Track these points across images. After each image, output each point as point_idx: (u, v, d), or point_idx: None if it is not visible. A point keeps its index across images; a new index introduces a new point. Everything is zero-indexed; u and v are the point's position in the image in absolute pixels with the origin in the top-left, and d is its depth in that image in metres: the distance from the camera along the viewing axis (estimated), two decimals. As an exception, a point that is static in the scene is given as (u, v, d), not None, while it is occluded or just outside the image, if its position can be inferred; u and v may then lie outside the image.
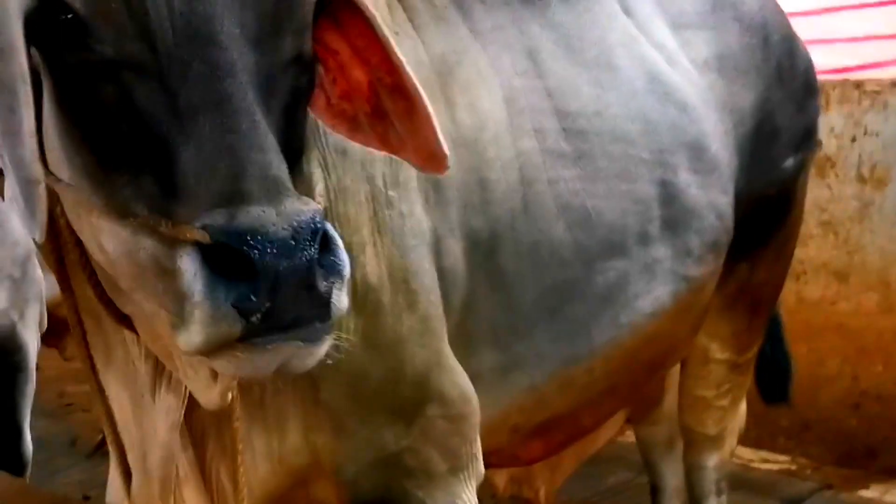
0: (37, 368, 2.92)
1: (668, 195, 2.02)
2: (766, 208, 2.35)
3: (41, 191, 1.08)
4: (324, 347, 1.12)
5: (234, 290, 1.02)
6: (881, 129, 3.82)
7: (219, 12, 1.11)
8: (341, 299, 1.09)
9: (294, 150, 1.21)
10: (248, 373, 1.10)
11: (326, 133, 1.51)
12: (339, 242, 1.09)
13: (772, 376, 2.80)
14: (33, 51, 1.15)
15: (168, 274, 1.06)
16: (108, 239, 1.15)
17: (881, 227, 3.87)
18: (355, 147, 1.52)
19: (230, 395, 1.39)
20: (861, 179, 3.89)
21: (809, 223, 4.00)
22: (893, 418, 3.91)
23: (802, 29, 4.22)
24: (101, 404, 1.54)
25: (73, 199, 1.19)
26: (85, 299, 1.43)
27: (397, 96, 1.33)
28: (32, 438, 2.88)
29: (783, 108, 2.33)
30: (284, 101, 1.19)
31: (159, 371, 1.47)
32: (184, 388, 1.45)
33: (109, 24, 1.10)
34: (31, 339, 2.76)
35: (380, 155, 1.55)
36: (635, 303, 2.00)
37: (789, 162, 2.37)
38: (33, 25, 1.11)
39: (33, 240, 1.33)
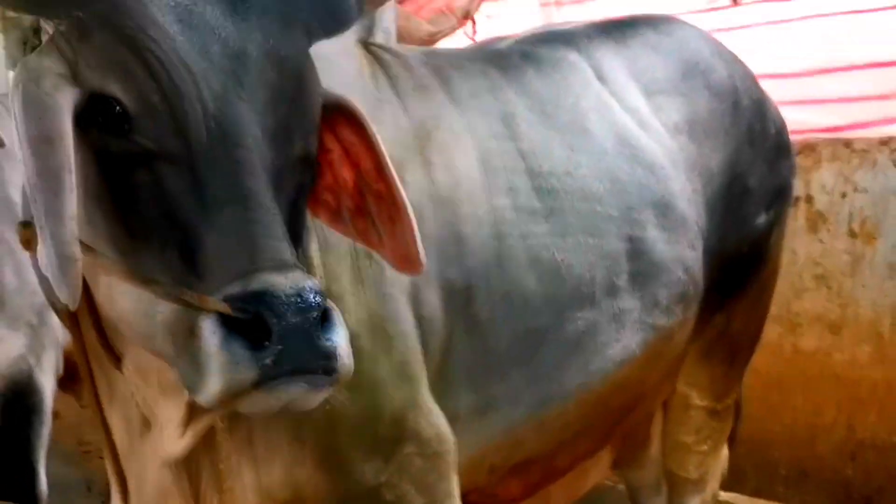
0: (56, 415, 3.07)
1: (636, 250, 2.15)
2: (740, 262, 2.48)
3: (78, 267, 1.24)
4: (323, 395, 1.26)
5: (247, 342, 1.17)
6: (870, 186, 3.94)
7: (245, 117, 1.28)
8: (347, 356, 1.25)
9: (297, 234, 1.37)
10: (257, 411, 1.25)
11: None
12: (338, 315, 1.24)
13: None
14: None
15: (184, 335, 1.21)
16: (124, 299, 1.30)
17: (872, 280, 3.97)
18: None
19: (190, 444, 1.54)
20: (852, 234, 4.01)
21: (804, 276, 4.13)
22: (889, 468, 3.98)
23: (795, 90, 4.42)
24: (105, 437, 1.68)
25: (98, 262, 1.32)
26: (91, 342, 1.57)
27: (383, 202, 1.49)
28: (50, 482, 3.01)
29: (754, 168, 2.47)
30: (292, 193, 1.36)
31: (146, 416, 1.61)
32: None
33: (152, 121, 1.26)
34: (48, 383, 2.92)
35: None
36: (605, 350, 2.13)
37: (761, 219, 2.50)
38: (81, 116, 1.27)
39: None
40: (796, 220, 4.10)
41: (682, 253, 2.24)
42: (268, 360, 1.18)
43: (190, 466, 1.66)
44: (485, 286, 1.93)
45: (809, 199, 4.09)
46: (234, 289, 1.18)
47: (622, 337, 2.16)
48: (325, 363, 1.22)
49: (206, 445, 1.63)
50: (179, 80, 1.26)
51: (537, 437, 2.10)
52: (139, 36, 1.26)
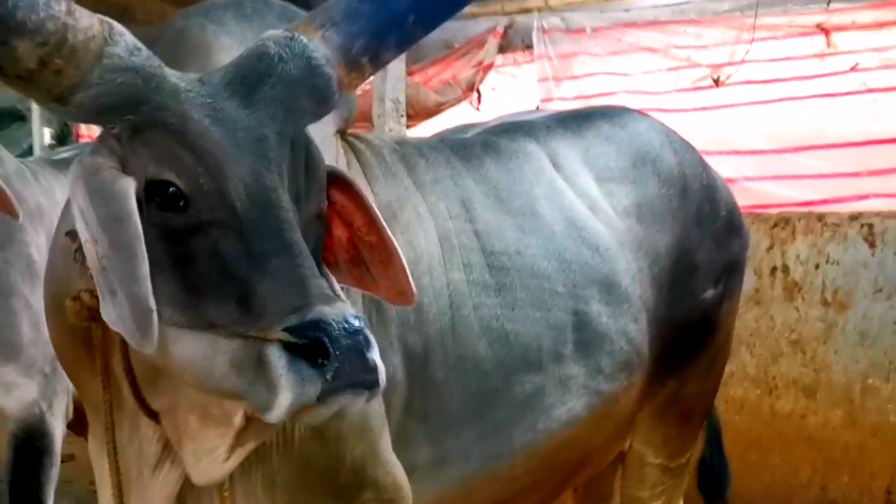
0: (71, 457, 3.32)
1: (581, 322, 2.37)
2: (690, 331, 2.70)
3: (154, 318, 1.48)
4: (364, 402, 1.51)
5: (310, 363, 1.42)
6: (841, 258, 4.17)
7: (277, 186, 1.55)
8: (384, 373, 1.50)
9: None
10: (312, 422, 1.52)
11: None
12: (372, 335, 1.49)
13: (710, 478, 3.10)
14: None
15: (252, 366, 1.46)
16: (185, 347, 1.53)
17: (844, 347, 4.19)
18: None
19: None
20: (825, 303, 4.23)
21: (780, 342, 4.35)
22: (859, 527, 4.17)
23: (774, 166, 4.66)
24: (114, 478, 1.88)
25: (162, 319, 1.54)
26: (116, 401, 1.81)
27: (375, 250, 1.76)
28: (60, 520, 3.28)
29: (702, 247, 2.69)
30: (313, 243, 1.63)
31: (166, 452, 1.84)
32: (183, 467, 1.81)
33: (203, 197, 1.53)
34: (58, 427, 3.18)
35: None
36: (551, 411, 2.34)
37: (709, 292, 2.72)
38: (145, 198, 1.55)
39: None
40: (773, 288, 4.34)
41: (624, 325, 2.46)
42: (328, 376, 1.42)
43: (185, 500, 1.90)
44: (441, 350, 2.16)
45: (786, 269, 4.32)
46: (293, 321, 1.43)
47: (568, 400, 2.37)
48: (371, 377, 1.47)
49: (192, 487, 1.85)
50: (221, 163, 1.53)
51: (489, 488, 2.31)
52: (183, 130, 1.54)
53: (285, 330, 1.43)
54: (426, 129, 5.44)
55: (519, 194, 2.41)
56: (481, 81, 5.54)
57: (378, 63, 1.75)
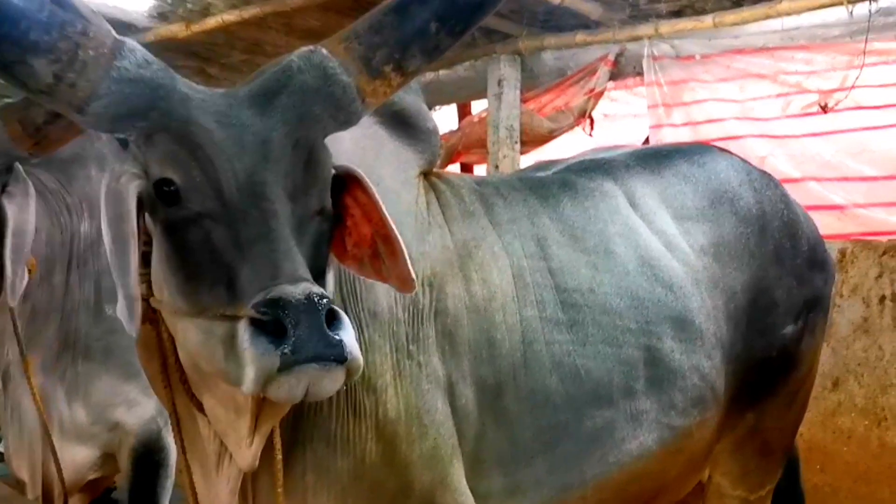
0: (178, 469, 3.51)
1: (653, 358, 2.43)
2: (768, 367, 2.73)
3: (138, 305, 1.70)
4: (337, 377, 1.61)
5: (271, 337, 1.57)
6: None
7: (269, 182, 1.72)
8: (354, 349, 1.60)
9: (320, 271, 1.79)
10: (286, 396, 1.59)
11: (363, 300, 2.07)
12: (344, 316, 1.62)
13: None
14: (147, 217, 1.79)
15: (230, 345, 1.61)
16: (191, 334, 1.73)
17: (957, 379, 4.10)
18: (384, 311, 2.10)
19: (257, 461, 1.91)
20: (935, 333, 4.14)
21: (889, 373, 4.28)
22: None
23: (885, 192, 4.58)
24: (187, 476, 2.09)
25: (168, 308, 1.79)
26: (179, 397, 1.99)
27: (385, 242, 1.88)
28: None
29: (781, 284, 2.72)
30: (313, 239, 1.78)
31: (224, 449, 2.00)
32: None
33: (197, 192, 1.72)
34: (173, 442, 3.39)
35: (403, 318, 2.13)
36: (622, 445, 2.40)
37: (789, 329, 2.74)
38: (150, 196, 1.75)
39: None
40: (882, 317, 4.27)
41: (697, 362, 2.52)
42: (287, 350, 1.54)
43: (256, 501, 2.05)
44: (512, 384, 2.25)
45: (895, 298, 4.24)
46: (258, 298, 1.57)
47: (639, 434, 2.43)
48: (334, 351, 1.57)
49: (266, 488, 2.00)
50: (215, 160, 1.70)
51: None
52: (185, 132, 1.71)
53: (252, 308, 1.57)
54: (539, 156, 5.53)
55: (594, 233, 2.49)
56: (593, 108, 5.60)
57: (404, 72, 1.86)
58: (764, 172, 2.90)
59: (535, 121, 5.79)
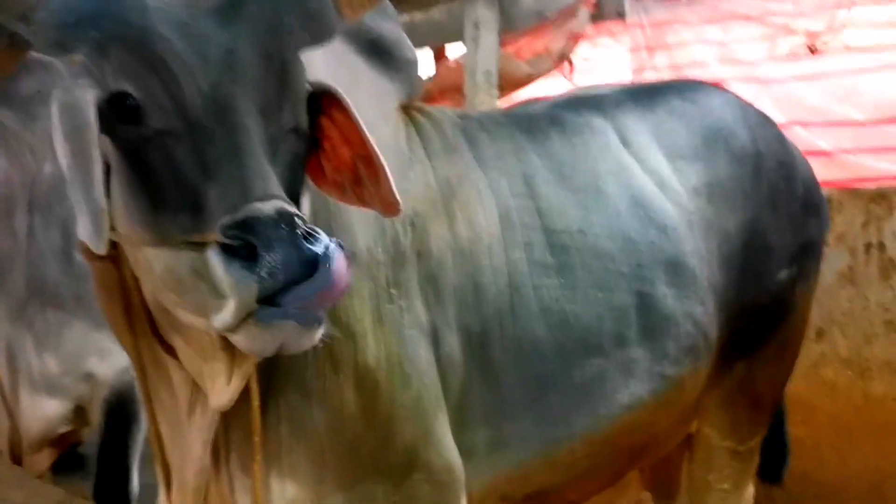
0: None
1: (645, 304, 2.32)
2: (761, 315, 2.62)
3: (105, 216, 1.56)
4: (315, 337, 1.53)
5: (245, 261, 1.45)
6: (942, 234, 4.00)
7: (237, 95, 1.58)
8: (342, 268, 1.49)
9: (295, 195, 1.65)
10: (258, 349, 1.50)
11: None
12: (322, 233, 1.51)
13: (768, 458, 3.00)
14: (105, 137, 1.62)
15: (200, 274, 1.49)
16: (155, 266, 1.59)
17: (942, 328, 4.02)
18: (362, 252, 1.96)
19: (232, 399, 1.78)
20: (922, 282, 4.06)
21: (874, 323, 4.20)
22: (955, 515, 4.01)
23: (873, 138, 4.48)
24: (153, 427, 1.95)
25: (129, 240, 1.64)
26: (146, 346, 1.85)
27: (367, 164, 1.75)
28: (143, 484, 3.32)
29: (776, 227, 2.61)
30: (287, 158, 1.65)
31: (196, 398, 1.86)
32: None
33: (158, 108, 1.57)
34: (146, 393, 3.28)
35: (383, 260, 2.00)
36: (613, 396, 2.30)
37: (783, 274, 2.63)
38: (105, 114, 1.59)
39: None
40: (868, 267, 4.19)
41: (691, 308, 2.40)
42: (263, 273, 1.43)
43: (228, 454, 1.92)
44: (499, 332, 2.14)
45: (882, 247, 4.15)
46: (226, 220, 1.46)
47: (631, 384, 2.32)
48: (315, 271, 1.46)
49: (240, 440, 1.88)
50: (176, 71, 1.55)
51: (547, 472, 2.28)
52: (142, 42, 1.57)
53: (220, 231, 1.46)
54: (517, 100, 5.39)
55: (584, 171, 2.37)
56: (573, 51, 5.45)
57: None
58: (759, 111, 2.77)
59: (513, 65, 5.64)
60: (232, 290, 1.45)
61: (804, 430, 4.08)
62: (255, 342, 1.50)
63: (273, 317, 1.47)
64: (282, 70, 1.65)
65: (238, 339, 1.52)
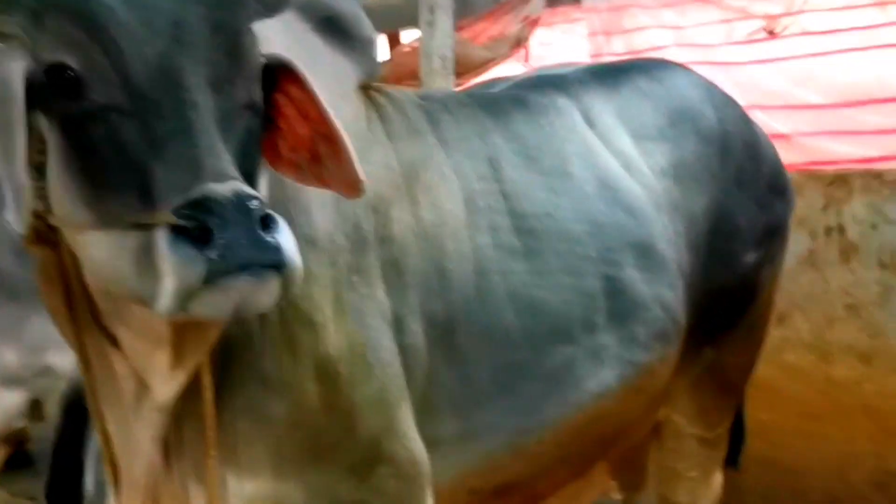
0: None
1: (614, 289, 2.27)
2: (728, 298, 2.58)
3: (24, 194, 1.48)
4: (272, 290, 1.43)
5: (194, 242, 1.36)
6: (900, 218, 3.99)
7: (185, 68, 1.49)
8: (293, 253, 1.42)
9: (250, 174, 1.55)
10: (212, 313, 1.42)
11: (298, 225, 1.81)
12: (279, 218, 1.43)
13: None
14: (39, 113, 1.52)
15: (145, 258, 1.39)
16: (98, 250, 1.49)
17: (902, 312, 4.01)
18: (322, 238, 1.88)
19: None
20: (883, 265, 4.03)
21: (836, 306, 4.17)
22: (916, 498, 4.01)
23: (831, 121, 4.48)
24: (99, 422, 1.86)
25: (69, 223, 1.54)
26: (89, 337, 1.76)
27: (327, 141, 1.67)
28: (97, 481, 3.26)
29: (742, 209, 2.57)
30: (241, 136, 1.55)
31: (143, 391, 1.76)
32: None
33: (100, 80, 1.48)
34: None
35: (344, 246, 1.91)
36: (582, 384, 2.24)
37: (750, 256, 2.60)
38: (39, 87, 1.49)
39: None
40: (828, 250, 4.16)
41: (660, 292, 2.35)
42: (214, 255, 1.35)
43: (180, 450, 1.83)
44: (465, 319, 2.08)
45: (842, 230, 4.13)
46: (178, 200, 1.37)
47: (600, 371, 2.27)
48: (270, 256, 1.39)
49: (193, 435, 1.79)
50: (120, 41, 1.47)
51: (516, 463, 2.22)
52: (82, 11, 1.48)
53: (172, 212, 1.37)
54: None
55: (550, 153, 2.31)
56: (529, 36, 5.40)
57: None
58: (724, 92, 2.73)
59: (469, 50, 5.58)
60: (173, 270, 1.36)
61: (768, 414, 4.07)
62: (207, 307, 1.40)
63: (224, 272, 1.38)
64: (233, 41, 1.56)
65: (191, 310, 1.41)
